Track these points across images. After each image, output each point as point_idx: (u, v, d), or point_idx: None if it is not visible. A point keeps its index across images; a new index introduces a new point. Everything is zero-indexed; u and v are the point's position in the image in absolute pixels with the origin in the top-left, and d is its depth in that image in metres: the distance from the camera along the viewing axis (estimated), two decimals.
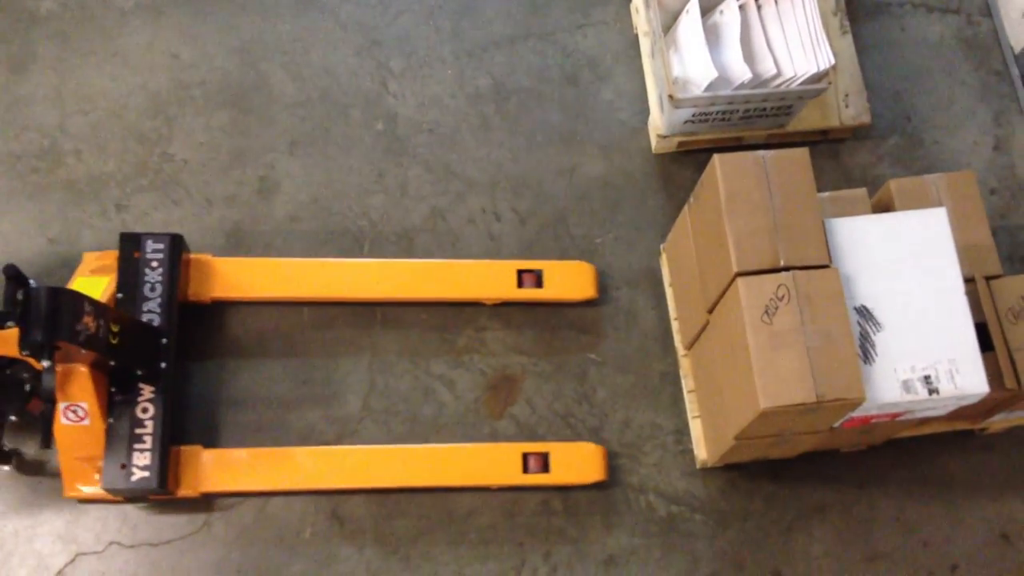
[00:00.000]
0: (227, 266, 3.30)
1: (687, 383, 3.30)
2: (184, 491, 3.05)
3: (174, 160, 3.54)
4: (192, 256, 3.26)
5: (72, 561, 3.06)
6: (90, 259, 3.20)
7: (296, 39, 3.75)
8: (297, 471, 3.13)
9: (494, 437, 3.27)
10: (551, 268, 3.41)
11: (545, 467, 3.17)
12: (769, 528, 3.24)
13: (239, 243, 3.44)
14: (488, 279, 3.39)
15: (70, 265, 3.35)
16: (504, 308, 3.42)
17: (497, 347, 3.39)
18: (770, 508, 3.26)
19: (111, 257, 3.17)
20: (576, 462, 3.21)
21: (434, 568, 3.12)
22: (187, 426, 3.21)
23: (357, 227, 3.50)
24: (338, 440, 3.23)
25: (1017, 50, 3.90)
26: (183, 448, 3.08)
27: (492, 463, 3.20)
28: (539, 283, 3.38)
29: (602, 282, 3.47)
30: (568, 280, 3.41)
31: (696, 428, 3.24)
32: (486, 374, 3.36)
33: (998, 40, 3.96)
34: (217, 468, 3.09)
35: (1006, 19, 3.96)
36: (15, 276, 2.85)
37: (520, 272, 3.38)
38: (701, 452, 3.22)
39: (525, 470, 3.17)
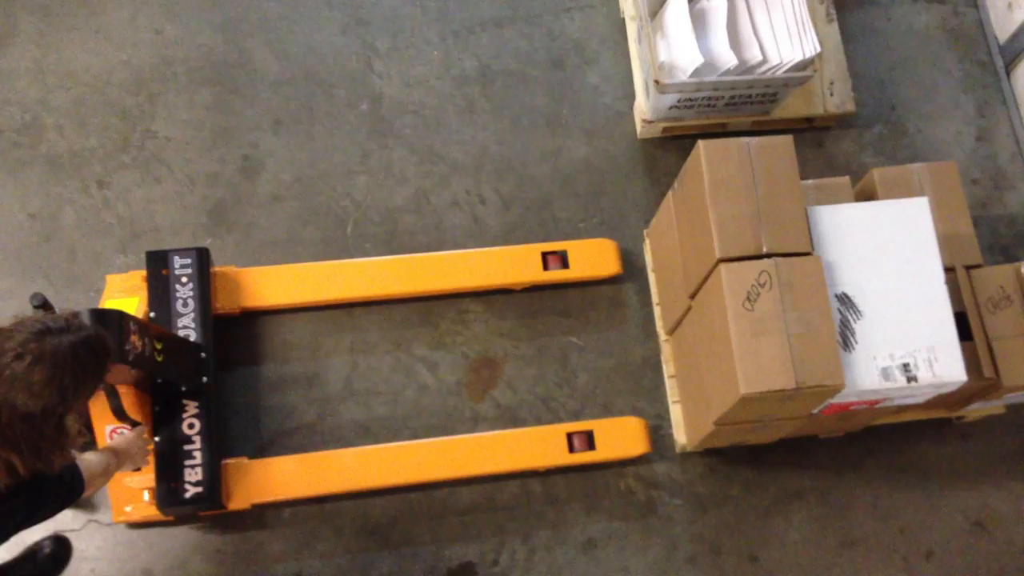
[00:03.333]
0: (252, 276, 3.27)
1: (668, 368, 3.31)
2: (235, 504, 3.02)
3: (157, 137, 3.52)
4: (217, 269, 3.24)
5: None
6: (115, 281, 3.14)
7: (281, 17, 3.72)
8: (346, 473, 3.11)
9: (475, 420, 3.28)
10: (575, 248, 3.42)
11: (590, 445, 3.19)
12: (747, 513, 3.26)
13: (221, 221, 3.42)
14: (515, 264, 3.39)
15: (50, 241, 3.33)
16: (485, 291, 3.42)
17: (480, 330, 3.39)
18: (748, 493, 3.28)
19: (137, 277, 3.13)
20: (620, 437, 3.23)
21: (414, 550, 3.12)
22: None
23: (341, 207, 3.48)
24: (320, 420, 3.22)
25: (1002, 41, 3.92)
26: (230, 461, 3.06)
27: (537, 446, 3.20)
28: (564, 264, 3.38)
29: None
30: (592, 258, 3.43)
31: (676, 413, 3.26)
32: (468, 357, 3.36)
33: (983, 31, 3.97)
34: (265, 478, 3.07)
35: (992, 10, 3.97)
36: (43, 304, 2.82)
37: (545, 254, 3.39)
38: (681, 437, 3.23)
39: (571, 450, 3.18)
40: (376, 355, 3.32)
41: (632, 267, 3.49)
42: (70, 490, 2.31)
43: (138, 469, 2.92)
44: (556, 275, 3.37)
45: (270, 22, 3.71)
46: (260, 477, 3.06)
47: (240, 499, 3.03)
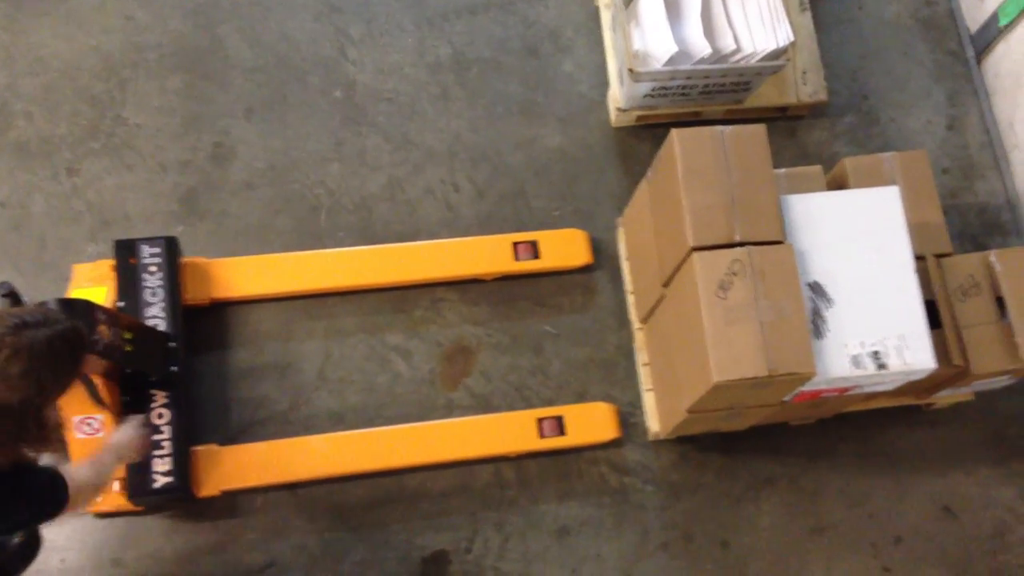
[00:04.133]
0: (222, 267, 3.25)
1: (641, 356, 3.32)
2: (205, 491, 3.01)
3: (127, 124, 3.49)
4: (186, 260, 3.21)
5: None
6: (82, 270, 3.11)
7: (253, 3, 3.69)
8: (317, 460, 3.10)
9: (449, 408, 3.28)
10: (545, 238, 3.42)
11: (561, 430, 3.20)
12: (719, 500, 3.28)
13: (193, 209, 3.40)
14: (486, 254, 3.39)
15: (19, 229, 3.30)
16: (456, 281, 3.41)
17: (453, 318, 3.38)
18: (720, 480, 3.30)
19: (105, 266, 3.10)
20: (591, 423, 3.25)
21: (386, 538, 3.12)
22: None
23: (314, 195, 3.47)
24: (292, 409, 3.21)
25: (973, 31, 3.95)
26: (199, 449, 3.04)
27: (508, 432, 3.21)
28: (535, 254, 3.38)
29: None
30: (563, 248, 3.43)
31: (649, 401, 3.27)
32: (442, 345, 3.35)
33: (954, 20, 4.00)
34: (235, 465, 3.05)
35: (963, 0, 4.00)
36: (10, 294, 2.81)
37: (516, 244, 3.39)
38: (654, 424, 3.24)
39: (541, 435, 3.19)
40: (349, 343, 3.32)
41: (606, 255, 3.50)
42: (50, 499, 2.28)
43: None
44: (527, 265, 3.37)
45: (242, 8, 3.68)
46: (230, 464, 3.05)
47: (210, 486, 3.01)
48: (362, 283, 3.33)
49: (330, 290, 3.32)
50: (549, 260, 3.40)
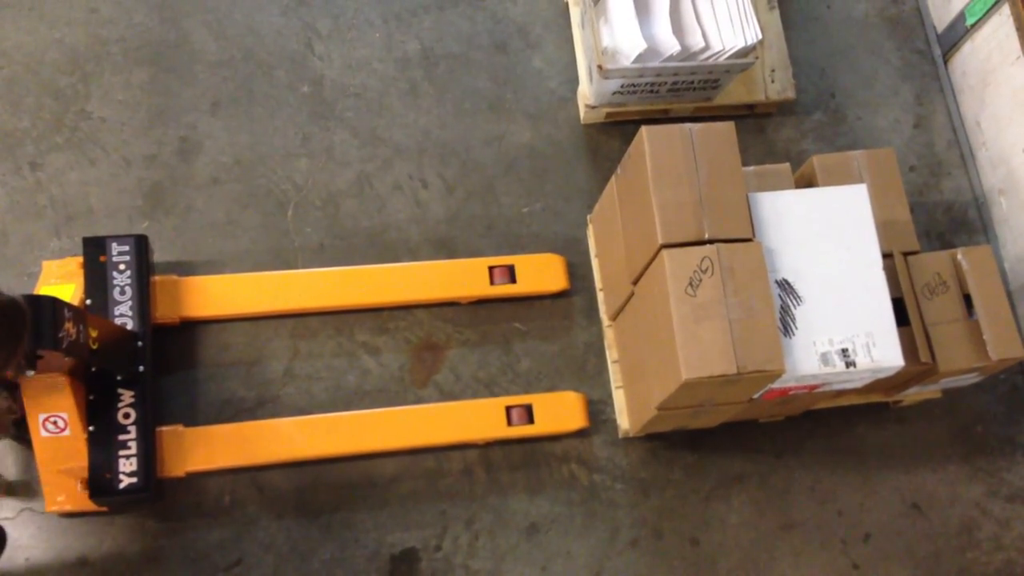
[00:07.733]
0: (194, 285, 3.21)
1: (611, 353, 3.32)
2: (171, 472, 2.97)
3: (91, 118, 3.44)
4: (157, 278, 3.16)
5: None
6: (51, 267, 3.07)
7: None
8: (285, 442, 3.08)
9: (418, 405, 3.26)
10: (521, 263, 3.40)
11: (529, 419, 3.20)
12: (688, 497, 3.28)
13: (158, 204, 3.36)
14: (462, 278, 3.36)
15: None
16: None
17: (423, 315, 3.36)
18: (689, 477, 3.31)
19: (73, 263, 3.06)
20: (559, 411, 3.25)
21: (355, 536, 3.10)
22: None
23: (281, 191, 3.44)
24: (259, 406, 3.18)
25: (940, 30, 3.97)
26: (165, 429, 3.01)
27: (477, 419, 3.20)
28: (512, 278, 3.37)
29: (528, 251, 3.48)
30: (540, 273, 3.41)
31: (619, 398, 3.27)
32: (411, 342, 3.34)
33: (921, 19, 4.03)
34: (201, 446, 3.02)
35: None
36: None
37: (492, 268, 3.37)
38: (623, 422, 3.24)
39: (509, 423, 3.19)
40: (318, 340, 3.29)
41: (575, 253, 3.49)
42: None
43: None
44: (503, 289, 3.36)
45: (208, 1, 3.64)
46: (196, 445, 3.02)
47: (176, 467, 2.99)
48: (336, 304, 3.30)
49: (305, 311, 3.29)
50: (525, 285, 3.38)
